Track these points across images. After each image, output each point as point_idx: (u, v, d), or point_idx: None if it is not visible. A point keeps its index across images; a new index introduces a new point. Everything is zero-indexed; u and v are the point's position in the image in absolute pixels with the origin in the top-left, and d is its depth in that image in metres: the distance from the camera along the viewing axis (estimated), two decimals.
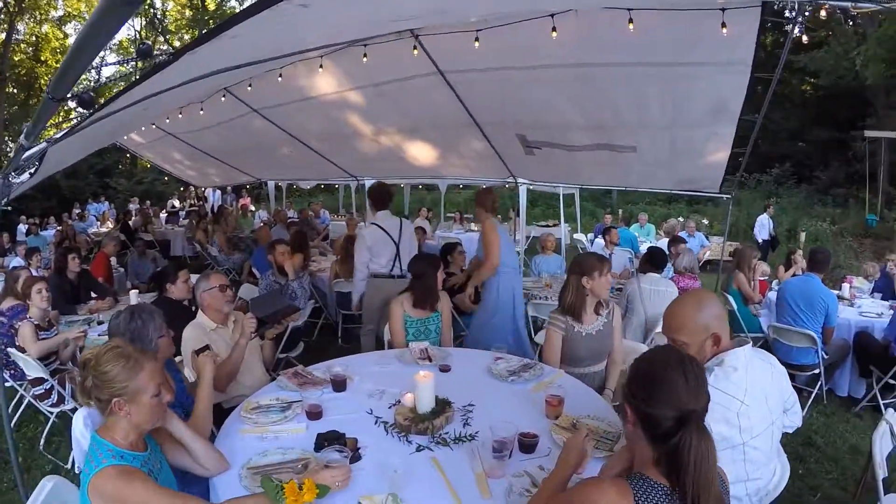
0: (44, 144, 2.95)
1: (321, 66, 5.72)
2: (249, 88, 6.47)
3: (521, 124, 6.51)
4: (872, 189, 16.88)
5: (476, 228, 14.17)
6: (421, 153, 8.22)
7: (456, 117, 6.63)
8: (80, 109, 3.30)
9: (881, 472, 2.70)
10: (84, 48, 1.54)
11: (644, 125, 5.76)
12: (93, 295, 6.34)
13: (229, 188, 17.26)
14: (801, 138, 23.43)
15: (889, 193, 17.28)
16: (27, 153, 2.96)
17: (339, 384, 3.09)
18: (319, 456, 2.26)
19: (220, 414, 2.95)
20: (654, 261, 5.56)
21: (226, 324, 3.64)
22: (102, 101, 2.91)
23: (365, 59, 5.17)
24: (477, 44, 4.64)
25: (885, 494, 2.69)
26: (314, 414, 2.74)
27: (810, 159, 22.62)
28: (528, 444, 2.41)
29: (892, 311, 5.78)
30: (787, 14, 3.80)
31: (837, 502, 3.91)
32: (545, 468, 2.22)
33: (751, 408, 2.15)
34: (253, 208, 21.27)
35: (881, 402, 5.11)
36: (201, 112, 7.41)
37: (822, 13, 4.64)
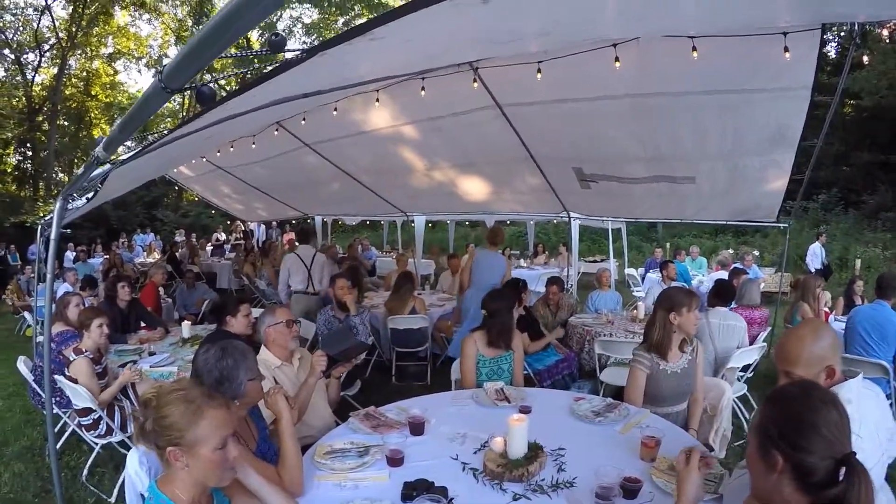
0: (108, 167, 2.86)
1: (377, 101, 5.70)
2: (303, 122, 6.46)
3: (579, 157, 6.41)
4: None
5: (525, 264, 14.19)
6: (473, 188, 8.14)
7: (512, 152, 6.55)
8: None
9: None
10: (216, 36, 1.37)
11: (703, 155, 5.63)
12: (142, 324, 6.32)
13: (274, 223, 17.42)
14: (845, 162, 22.91)
15: None
16: (96, 171, 2.87)
17: (417, 427, 2.98)
18: None
19: None
20: (723, 294, 5.40)
21: (290, 361, 3.58)
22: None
23: (423, 93, 5.13)
24: (539, 75, 4.57)
25: None
26: (396, 460, 2.62)
27: (856, 184, 22.11)
28: (631, 489, 2.29)
29: None
30: (826, 36, 3.74)
31: None
32: None
33: (864, 440, 2.01)
34: (298, 243, 21.38)
35: None
36: (253, 146, 7.42)
37: (885, 32, 4.53)
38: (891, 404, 4.82)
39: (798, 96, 4.38)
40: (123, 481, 2.70)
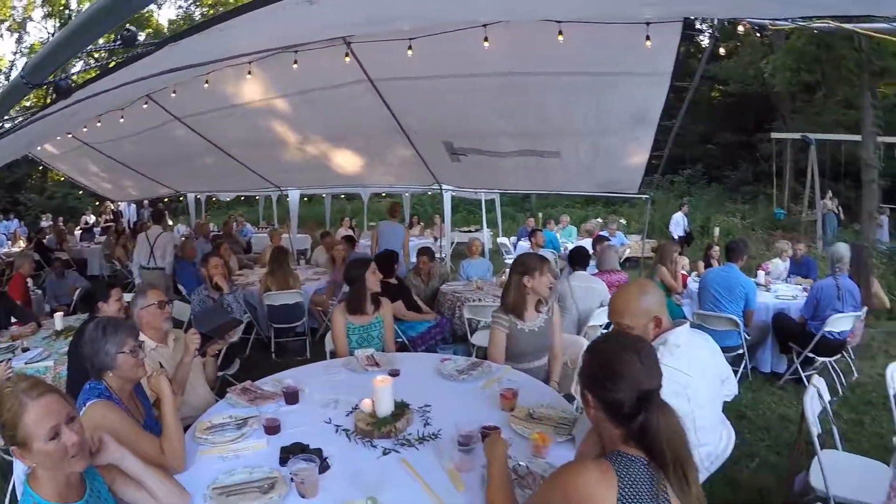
0: None
1: (249, 73, 5.63)
2: (173, 95, 6.27)
3: (448, 132, 6.61)
4: (779, 186, 17.99)
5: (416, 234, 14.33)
6: (346, 161, 8.18)
7: (383, 125, 6.66)
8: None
9: (815, 429, 2.98)
10: (81, 34, 1.41)
11: (569, 132, 5.94)
12: (12, 320, 5.94)
13: (146, 202, 16.59)
14: (710, 141, 24.92)
15: (794, 189, 18.51)
16: None
17: (291, 396, 3.08)
18: (287, 469, 2.26)
19: None
20: (577, 259, 5.84)
21: (165, 342, 3.56)
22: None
23: (295, 66, 5.12)
24: (410, 52, 4.68)
25: (820, 449, 2.98)
26: (272, 428, 2.72)
27: (720, 160, 24.10)
28: (489, 435, 2.47)
29: (805, 294, 6.23)
30: (698, 26, 4.09)
31: (773, 465, 4.24)
32: (512, 456, 2.32)
33: (695, 379, 2.34)
34: (171, 222, 20.57)
35: (802, 374, 5.58)
36: (121, 120, 7.09)
37: (741, 28, 4.94)
38: (743, 353, 5.48)
39: (658, 82, 4.73)
40: (13, 489, 2.63)
